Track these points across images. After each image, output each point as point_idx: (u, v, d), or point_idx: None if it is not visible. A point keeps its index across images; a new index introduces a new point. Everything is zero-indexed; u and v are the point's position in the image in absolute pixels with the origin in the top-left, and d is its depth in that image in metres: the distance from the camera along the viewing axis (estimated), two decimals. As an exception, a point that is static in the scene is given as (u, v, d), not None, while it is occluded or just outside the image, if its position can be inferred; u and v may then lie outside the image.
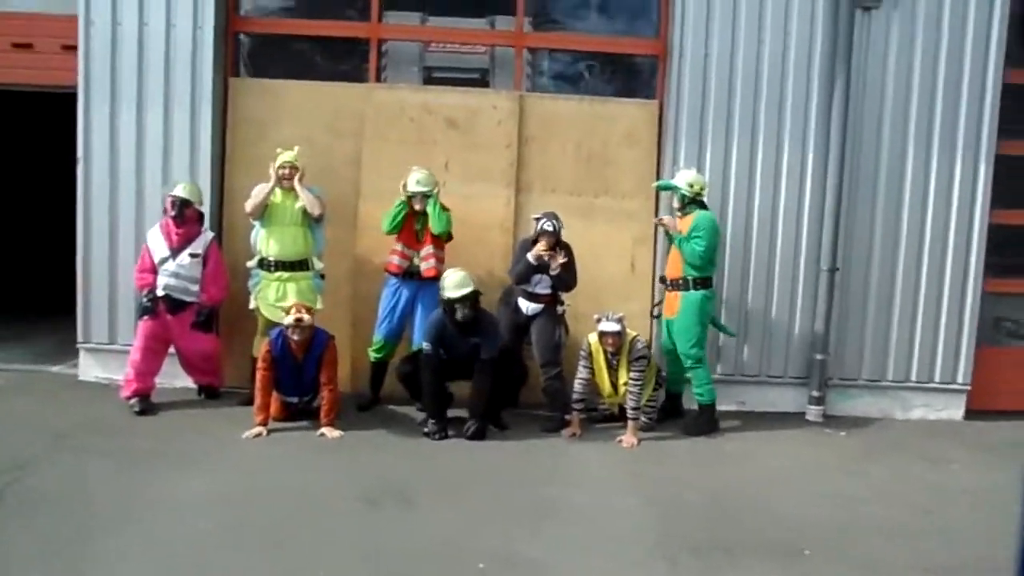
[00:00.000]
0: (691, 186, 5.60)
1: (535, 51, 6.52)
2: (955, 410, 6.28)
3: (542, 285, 5.67)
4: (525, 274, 5.64)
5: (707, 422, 5.72)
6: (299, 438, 5.21)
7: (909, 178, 6.11)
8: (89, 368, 6.22)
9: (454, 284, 5.22)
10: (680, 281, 5.62)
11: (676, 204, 5.65)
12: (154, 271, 5.63)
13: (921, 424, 6.20)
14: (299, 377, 5.33)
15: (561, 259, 5.55)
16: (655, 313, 6.03)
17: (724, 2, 6.00)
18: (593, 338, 5.46)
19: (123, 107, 6.01)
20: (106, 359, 6.19)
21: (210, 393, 5.97)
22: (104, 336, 6.15)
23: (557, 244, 5.59)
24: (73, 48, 6.07)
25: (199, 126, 6.04)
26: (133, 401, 5.51)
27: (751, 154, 6.09)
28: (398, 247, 5.77)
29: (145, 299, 5.60)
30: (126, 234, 6.08)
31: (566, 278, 5.63)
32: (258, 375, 5.24)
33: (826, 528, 4.14)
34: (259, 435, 5.13)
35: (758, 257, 6.16)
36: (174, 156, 6.05)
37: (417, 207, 5.67)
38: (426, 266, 5.75)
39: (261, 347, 5.29)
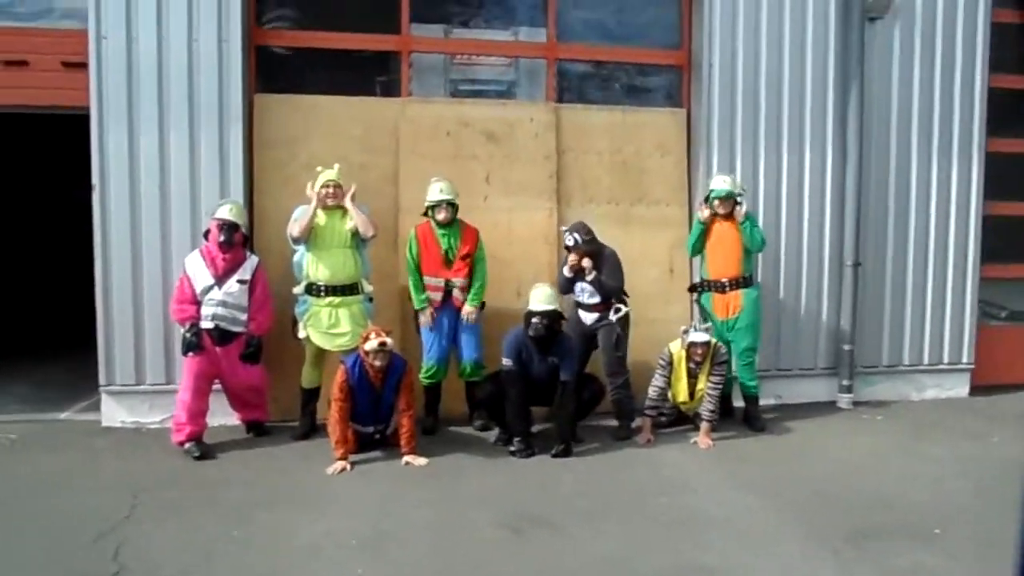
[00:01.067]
0: (737, 187, 5.83)
1: (561, 62, 6.55)
2: (962, 388, 6.85)
3: (588, 295, 5.70)
4: (566, 285, 5.67)
5: (759, 415, 5.93)
6: (385, 469, 4.98)
7: (914, 177, 6.63)
8: (114, 413, 5.69)
9: (539, 299, 5.17)
10: (741, 279, 5.81)
11: (741, 208, 5.79)
12: (195, 302, 5.23)
13: (937, 403, 6.71)
14: (377, 406, 5.12)
15: (585, 264, 5.52)
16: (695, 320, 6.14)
17: (747, 15, 6.29)
18: (675, 347, 5.53)
19: (142, 129, 5.56)
20: (132, 402, 5.70)
21: (259, 430, 5.60)
22: (130, 377, 5.66)
23: (590, 253, 5.58)
24: (76, 66, 5.57)
25: (228, 146, 5.68)
26: (189, 446, 5.10)
27: (777, 160, 6.41)
28: (428, 279, 5.56)
29: (188, 333, 5.17)
30: (151, 265, 5.62)
31: (603, 282, 5.59)
32: (334, 407, 4.98)
33: (937, 507, 4.39)
34: (343, 470, 4.88)
35: (787, 256, 6.47)
36: (202, 179, 5.65)
37: (440, 217, 5.55)
38: (461, 297, 5.60)
39: (336, 376, 5.02)
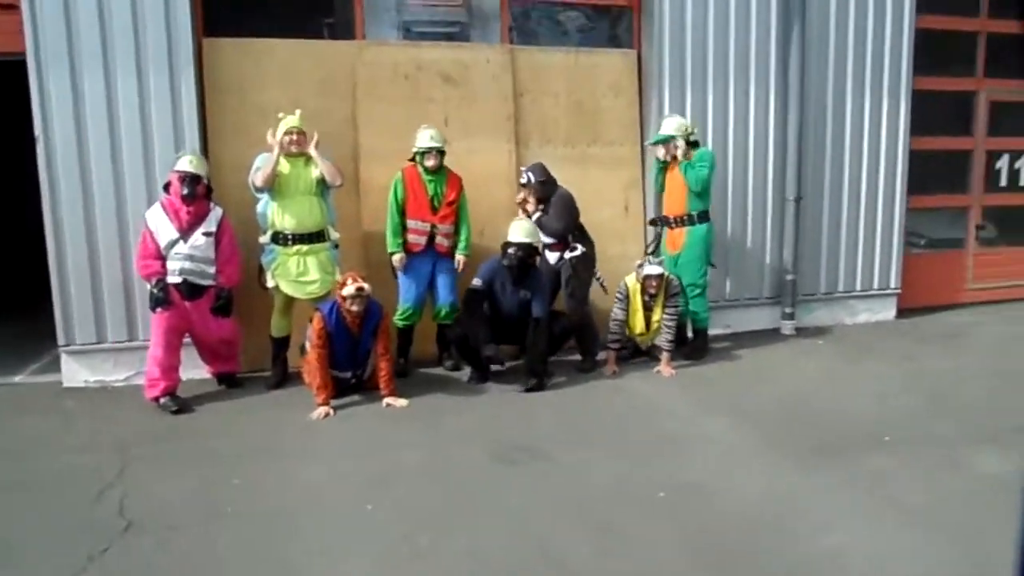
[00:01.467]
0: (684, 129, 6.01)
1: (514, 2, 6.53)
2: (889, 312, 7.40)
3: (545, 235, 5.86)
4: None
5: (704, 345, 6.29)
6: (366, 412, 5.08)
7: (849, 115, 6.98)
8: (75, 372, 5.54)
9: (517, 231, 5.34)
10: (684, 217, 6.06)
11: (679, 150, 5.99)
12: (159, 257, 5.10)
13: (868, 326, 7.24)
14: (355, 351, 5.17)
15: (531, 207, 5.75)
16: (649, 251, 6.40)
17: (695, -43, 6.40)
18: (631, 280, 5.76)
19: (86, 75, 5.29)
20: (94, 360, 5.56)
21: (231, 382, 5.57)
22: (91, 336, 5.50)
23: (542, 195, 5.74)
24: (6, 7, 5.21)
25: (180, 91, 5.48)
26: (165, 401, 5.05)
27: (724, 99, 6.62)
28: (412, 223, 5.62)
29: (155, 289, 5.06)
30: (105, 219, 5.44)
31: (544, 223, 5.76)
32: (313, 353, 5.02)
33: (883, 419, 4.81)
34: (327, 415, 4.94)
35: (735, 192, 6.76)
36: (154, 128, 5.45)
37: (429, 164, 5.59)
38: (447, 243, 5.70)
39: (314, 323, 5.03)
